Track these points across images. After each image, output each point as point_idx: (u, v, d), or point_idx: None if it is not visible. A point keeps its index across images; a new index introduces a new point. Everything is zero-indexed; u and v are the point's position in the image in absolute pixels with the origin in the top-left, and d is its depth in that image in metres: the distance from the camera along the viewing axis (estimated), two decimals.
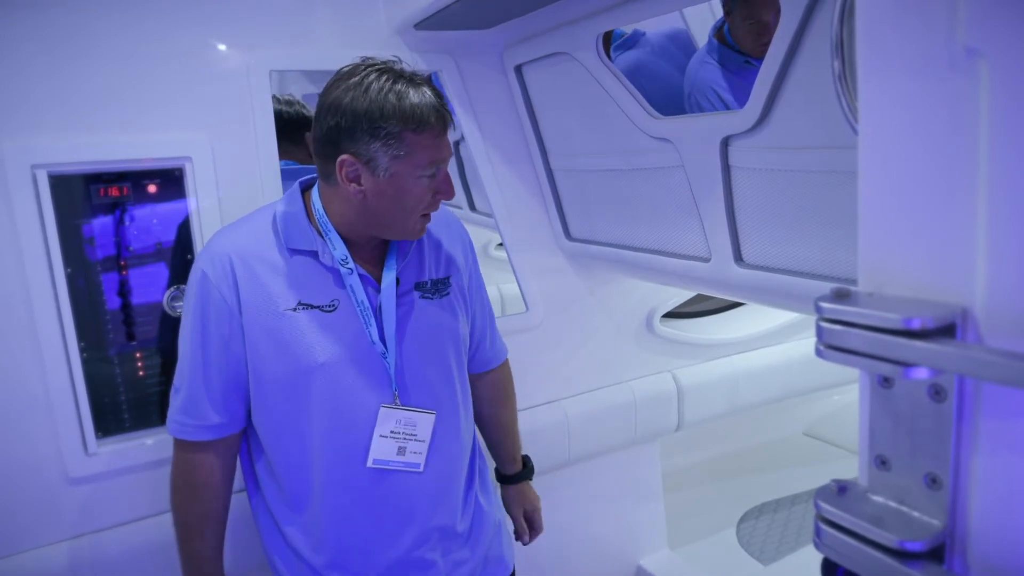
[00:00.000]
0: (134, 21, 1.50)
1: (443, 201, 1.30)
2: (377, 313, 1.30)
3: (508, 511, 1.68)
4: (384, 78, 1.19)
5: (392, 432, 1.30)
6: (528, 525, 1.70)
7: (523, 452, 1.72)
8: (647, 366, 2.29)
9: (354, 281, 1.27)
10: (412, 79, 1.21)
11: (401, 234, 1.29)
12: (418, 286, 1.36)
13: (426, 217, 1.29)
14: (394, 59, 1.25)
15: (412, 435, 1.32)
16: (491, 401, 1.62)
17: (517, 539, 1.69)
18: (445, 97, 1.24)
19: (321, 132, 1.23)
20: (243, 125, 1.61)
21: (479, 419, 1.61)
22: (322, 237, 1.27)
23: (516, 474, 1.68)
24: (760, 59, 1.25)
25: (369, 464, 1.29)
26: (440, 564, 1.38)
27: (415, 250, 1.38)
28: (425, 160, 1.21)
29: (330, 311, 1.27)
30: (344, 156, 1.20)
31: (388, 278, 1.31)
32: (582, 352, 2.14)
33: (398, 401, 1.30)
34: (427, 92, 1.21)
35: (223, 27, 1.59)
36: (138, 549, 1.55)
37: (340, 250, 1.27)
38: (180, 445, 1.32)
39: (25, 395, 1.44)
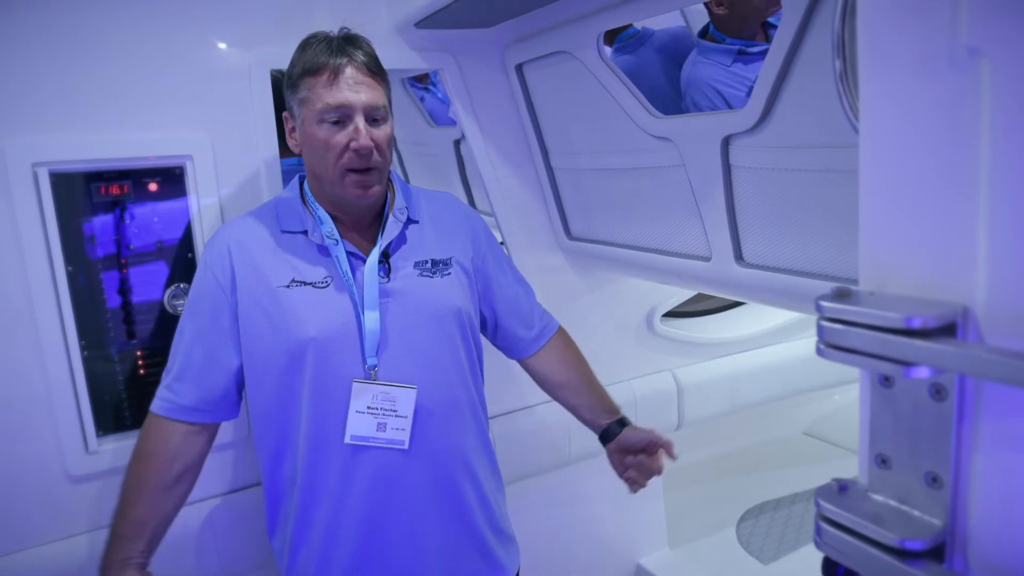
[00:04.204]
0: (135, 20, 1.49)
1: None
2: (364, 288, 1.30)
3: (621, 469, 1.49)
4: (310, 39, 1.29)
5: (369, 408, 1.27)
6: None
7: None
8: (647, 365, 2.29)
9: (339, 252, 1.30)
10: (334, 37, 1.29)
11: (338, 191, 1.28)
12: (417, 264, 1.36)
13: (360, 175, 1.26)
14: (345, 28, 1.32)
15: (392, 411, 1.28)
16: (560, 367, 1.58)
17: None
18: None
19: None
20: (244, 124, 1.61)
21: (554, 397, 1.61)
22: (314, 217, 1.32)
23: (620, 420, 1.53)
24: (764, 39, 1.23)
25: (347, 440, 1.27)
26: (434, 558, 1.35)
27: (413, 231, 1.39)
28: (319, 102, 1.24)
29: (323, 287, 1.29)
30: (284, 113, 1.34)
31: (374, 254, 1.32)
32: (582, 351, 2.14)
33: (375, 376, 1.28)
34: (335, 42, 1.27)
35: (224, 26, 1.59)
36: None
37: (327, 224, 1.31)
38: (148, 418, 1.32)
39: (26, 393, 1.44)
